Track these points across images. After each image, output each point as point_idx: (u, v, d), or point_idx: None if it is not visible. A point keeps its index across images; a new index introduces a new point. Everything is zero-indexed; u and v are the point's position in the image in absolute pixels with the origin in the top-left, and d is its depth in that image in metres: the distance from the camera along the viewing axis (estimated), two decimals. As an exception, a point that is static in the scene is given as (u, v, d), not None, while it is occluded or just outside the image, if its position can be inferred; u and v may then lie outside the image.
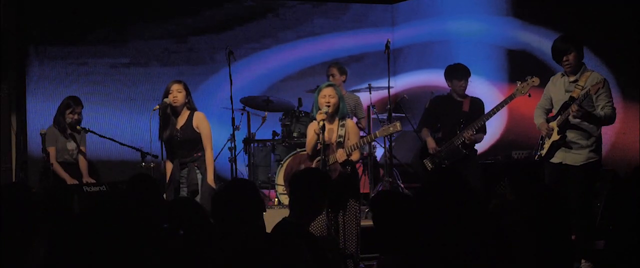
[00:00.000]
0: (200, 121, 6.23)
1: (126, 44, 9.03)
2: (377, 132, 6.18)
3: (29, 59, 8.63)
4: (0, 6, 8.26)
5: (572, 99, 5.84)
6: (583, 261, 5.70)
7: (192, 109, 6.30)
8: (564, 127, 5.90)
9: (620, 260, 3.61)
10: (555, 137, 5.94)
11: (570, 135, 5.90)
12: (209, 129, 6.26)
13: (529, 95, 6.63)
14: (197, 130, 6.22)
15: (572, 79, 5.94)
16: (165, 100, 6.27)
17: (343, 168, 5.80)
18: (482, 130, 6.99)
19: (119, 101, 9.00)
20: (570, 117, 5.82)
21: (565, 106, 5.89)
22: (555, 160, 5.98)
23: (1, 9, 8.28)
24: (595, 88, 5.73)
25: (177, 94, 6.22)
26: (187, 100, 6.27)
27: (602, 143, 6.00)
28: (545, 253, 3.85)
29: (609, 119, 5.87)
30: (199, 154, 6.22)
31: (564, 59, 5.90)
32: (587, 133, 5.88)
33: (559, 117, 5.92)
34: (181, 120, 6.27)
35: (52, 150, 7.10)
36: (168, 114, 6.27)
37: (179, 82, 6.33)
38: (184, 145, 6.22)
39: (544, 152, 6.01)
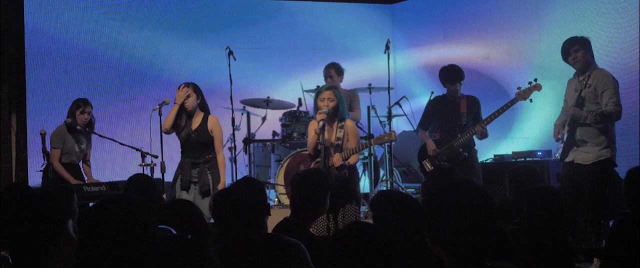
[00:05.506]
0: (214, 125, 6.31)
1: (126, 44, 9.03)
2: (372, 140, 6.16)
3: (29, 59, 8.62)
4: (0, 6, 8.26)
5: (580, 98, 5.89)
6: (595, 259, 5.70)
7: (206, 111, 6.37)
8: (573, 126, 5.93)
9: (619, 259, 3.62)
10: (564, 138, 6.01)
11: (580, 134, 5.94)
12: (222, 133, 6.37)
13: (531, 101, 6.62)
14: (211, 134, 6.29)
15: (581, 77, 5.98)
16: (166, 100, 6.39)
17: (338, 172, 5.77)
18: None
19: (119, 101, 9.00)
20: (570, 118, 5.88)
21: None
22: (568, 159, 6.02)
23: (1, 9, 8.28)
24: (588, 91, 5.76)
25: (187, 97, 6.26)
26: (198, 102, 6.32)
27: (615, 141, 5.99)
28: (545, 252, 3.86)
29: (610, 116, 5.87)
30: (211, 156, 6.31)
31: (572, 56, 5.97)
32: (596, 131, 5.90)
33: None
34: (196, 122, 6.33)
35: (56, 152, 7.04)
36: (181, 114, 6.31)
37: (188, 84, 6.35)
38: (198, 146, 6.30)
39: (559, 153, 6.07)
